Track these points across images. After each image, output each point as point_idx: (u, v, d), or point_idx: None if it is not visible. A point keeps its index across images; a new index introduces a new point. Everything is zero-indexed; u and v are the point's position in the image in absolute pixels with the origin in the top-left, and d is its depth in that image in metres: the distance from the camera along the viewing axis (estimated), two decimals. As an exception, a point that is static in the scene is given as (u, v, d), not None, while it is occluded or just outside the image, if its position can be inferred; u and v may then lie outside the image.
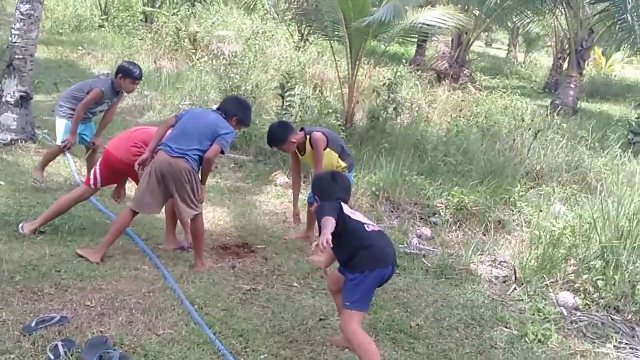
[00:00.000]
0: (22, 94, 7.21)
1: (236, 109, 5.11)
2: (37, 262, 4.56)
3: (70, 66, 13.08)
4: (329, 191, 3.92)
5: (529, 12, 17.79)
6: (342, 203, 3.80)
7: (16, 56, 7.16)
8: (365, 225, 3.76)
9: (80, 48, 14.16)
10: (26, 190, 6.02)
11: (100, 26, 17.40)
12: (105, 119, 6.43)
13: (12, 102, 7.18)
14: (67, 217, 5.33)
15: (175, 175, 4.76)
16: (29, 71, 7.30)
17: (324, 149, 5.63)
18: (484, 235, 6.75)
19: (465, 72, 18.14)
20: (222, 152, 5.00)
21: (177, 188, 4.79)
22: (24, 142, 7.24)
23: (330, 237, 3.43)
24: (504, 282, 5.77)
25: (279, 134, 5.68)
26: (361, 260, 3.69)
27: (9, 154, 6.94)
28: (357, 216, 3.84)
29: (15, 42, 7.17)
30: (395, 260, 3.86)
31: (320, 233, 3.58)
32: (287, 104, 9.29)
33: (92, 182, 5.19)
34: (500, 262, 6.14)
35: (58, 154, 6.47)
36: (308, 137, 5.64)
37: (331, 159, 5.70)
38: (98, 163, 5.26)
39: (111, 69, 12.57)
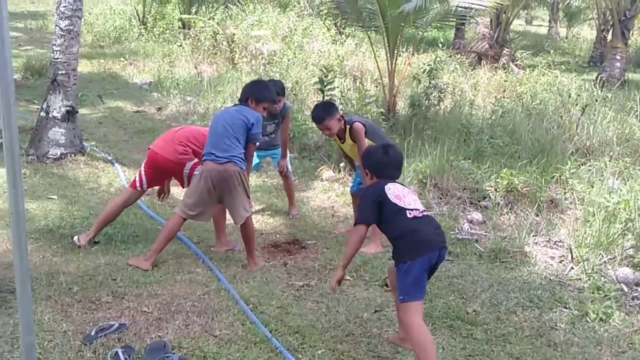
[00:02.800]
0: (68, 108, 7.36)
1: (248, 91, 5.09)
2: (93, 272, 4.65)
3: (113, 78, 13.33)
4: (381, 165, 3.89)
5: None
6: (387, 186, 3.72)
7: (59, 72, 7.31)
8: (408, 212, 3.66)
9: (122, 59, 14.42)
10: (78, 203, 6.14)
11: (140, 36, 17.67)
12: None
13: (59, 117, 7.33)
14: (120, 226, 5.43)
15: (228, 182, 4.80)
16: (72, 85, 7.44)
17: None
18: (537, 215, 6.62)
19: (506, 52, 17.83)
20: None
21: (231, 194, 4.83)
22: (73, 155, 7.38)
23: (334, 285, 3.75)
24: (561, 262, 5.65)
25: (327, 108, 5.63)
26: (404, 249, 3.65)
27: (60, 168, 7.09)
28: (404, 199, 3.71)
29: (58, 59, 7.31)
30: (445, 244, 3.77)
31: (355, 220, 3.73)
32: (328, 97, 9.26)
33: (137, 184, 5.25)
34: (556, 242, 6.01)
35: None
36: (348, 126, 5.61)
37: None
38: (143, 164, 5.31)
39: (152, 78, 12.78)
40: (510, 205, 6.88)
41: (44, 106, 7.40)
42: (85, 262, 4.84)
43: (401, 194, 3.74)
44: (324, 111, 5.58)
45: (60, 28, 7.28)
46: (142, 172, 5.24)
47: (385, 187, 3.72)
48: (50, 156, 7.24)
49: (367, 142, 5.53)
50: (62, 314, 4.07)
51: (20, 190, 2.98)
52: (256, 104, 5.02)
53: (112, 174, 7.20)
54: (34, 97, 10.34)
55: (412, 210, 3.67)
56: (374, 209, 3.68)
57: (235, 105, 5.18)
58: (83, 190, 6.55)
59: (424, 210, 3.80)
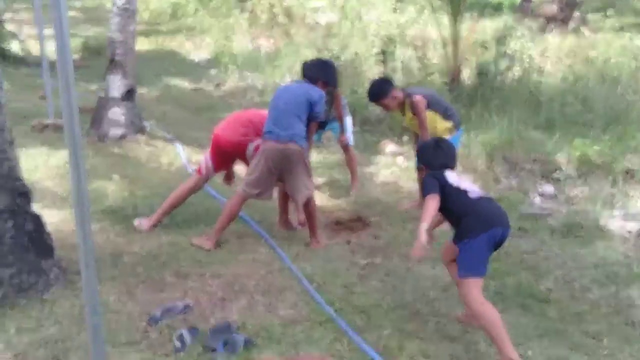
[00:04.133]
0: (127, 87, 7.36)
1: (319, 72, 4.97)
2: (157, 252, 4.62)
3: (171, 55, 13.39)
4: (434, 158, 3.93)
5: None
6: (446, 171, 3.79)
7: (117, 51, 7.30)
8: (469, 193, 3.67)
9: (179, 36, 14.44)
10: (140, 183, 6.13)
11: (196, 11, 17.66)
12: None
13: (119, 97, 7.34)
14: (181, 206, 5.39)
15: (289, 161, 4.71)
16: (131, 65, 7.43)
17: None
18: (613, 187, 6.33)
19: (576, 14, 17.12)
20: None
21: (292, 173, 4.75)
22: (133, 135, 7.38)
23: (424, 237, 3.48)
24: (639, 235, 5.37)
25: (381, 87, 5.60)
26: (468, 225, 3.59)
27: (121, 148, 7.10)
28: (464, 184, 3.75)
29: (115, 38, 7.31)
30: (508, 223, 3.66)
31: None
32: (390, 69, 9.06)
33: (204, 170, 5.21)
34: (633, 214, 5.72)
35: None
36: (408, 100, 5.43)
37: (434, 120, 5.51)
38: (208, 150, 5.26)
39: (210, 55, 12.76)
40: (583, 177, 6.60)
41: (104, 86, 7.43)
42: (148, 242, 4.81)
43: (459, 179, 3.80)
44: (377, 90, 5.58)
45: (117, 7, 7.27)
46: (208, 157, 5.20)
47: (445, 173, 3.78)
48: (111, 136, 7.26)
49: (428, 114, 5.38)
50: (127, 294, 4.05)
51: (83, 171, 2.94)
52: (323, 85, 4.94)
53: (173, 152, 7.19)
54: (93, 77, 10.43)
55: (473, 191, 3.70)
56: (436, 183, 3.70)
57: (297, 82, 5.05)
58: (145, 170, 6.56)
59: (486, 193, 3.87)
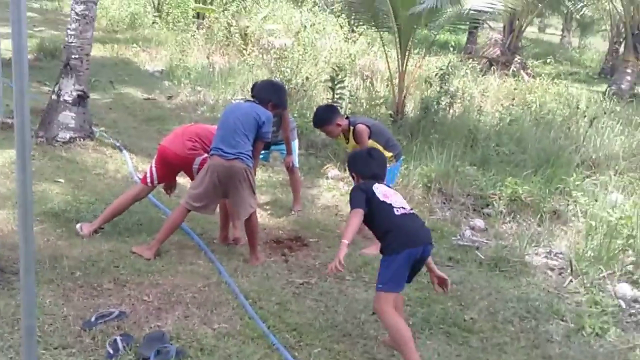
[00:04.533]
0: (79, 92, 7.37)
1: (269, 94, 5.16)
2: (96, 258, 4.68)
3: (126, 64, 13.36)
4: (366, 167, 4.10)
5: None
6: (375, 185, 3.92)
7: (72, 56, 7.33)
8: (395, 209, 3.83)
9: (135, 45, 14.45)
10: (85, 188, 6.17)
11: (154, 23, 17.69)
12: None
13: (70, 101, 7.35)
14: (125, 214, 5.45)
15: (234, 178, 4.82)
16: (85, 70, 7.46)
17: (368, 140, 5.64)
18: (539, 226, 6.65)
19: (517, 59, 17.82)
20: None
21: (236, 189, 4.86)
22: (82, 139, 7.40)
23: (342, 259, 3.68)
24: (560, 274, 5.67)
25: (325, 114, 5.75)
26: (390, 242, 3.79)
27: (68, 152, 7.11)
28: (391, 198, 3.90)
29: (72, 43, 7.33)
30: (431, 240, 3.91)
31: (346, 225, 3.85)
32: (338, 96, 9.29)
33: (148, 180, 5.29)
34: (556, 253, 6.03)
35: None
36: (352, 128, 5.65)
37: None
38: (154, 160, 5.35)
39: (164, 66, 12.82)
40: (513, 214, 6.91)
41: (56, 89, 7.42)
42: (88, 247, 4.87)
43: (388, 193, 3.94)
44: (322, 117, 5.74)
45: (75, 12, 7.30)
46: (153, 168, 5.28)
47: (373, 186, 3.92)
48: (59, 139, 7.26)
49: (370, 143, 5.59)
50: (63, 298, 4.10)
51: (29, 174, 3.01)
52: (273, 107, 5.13)
53: (120, 160, 7.23)
54: (45, 78, 10.35)
55: (398, 208, 3.86)
56: (363, 197, 3.85)
57: (247, 100, 5.20)
58: (90, 175, 6.58)
59: (411, 209, 3.99)
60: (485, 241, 6.21)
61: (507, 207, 6.98)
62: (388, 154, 5.71)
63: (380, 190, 3.91)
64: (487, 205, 7.12)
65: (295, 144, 6.51)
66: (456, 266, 5.59)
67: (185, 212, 4.98)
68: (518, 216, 6.87)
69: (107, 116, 9.18)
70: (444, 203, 7.10)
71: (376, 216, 3.84)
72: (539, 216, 6.80)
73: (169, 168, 5.33)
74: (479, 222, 6.64)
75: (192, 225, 5.58)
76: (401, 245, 3.74)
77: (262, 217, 6.10)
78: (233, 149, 4.80)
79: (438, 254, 5.74)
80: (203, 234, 5.53)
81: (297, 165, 6.54)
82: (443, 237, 6.17)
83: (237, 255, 5.21)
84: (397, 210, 3.84)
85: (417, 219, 3.98)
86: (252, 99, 5.18)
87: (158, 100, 10.74)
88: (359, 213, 3.78)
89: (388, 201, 3.86)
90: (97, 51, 12.93)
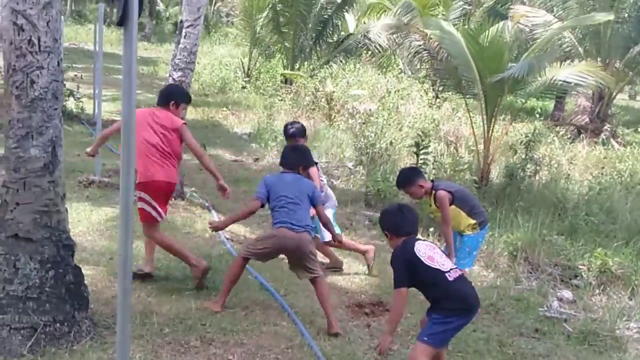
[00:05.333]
0: (173, 154, 7.70)
1: (298, 160, 5.39)
2: (184, 316, 4.82)
3: (215, 126, 13.89)
4: (397, 224, 4.07)
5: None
6: (415, 247, 3.89)
7: (169, 120, 7.70)
8: (447, 275, 3.81)
9: (225, 109, 15.02)
10: (175, 246, 6.39)
11: (243, 87, 18.38)
12: None
13: (164, 162, 7.68)
14: (212, 272, 5.62)
15: (303, 250, 5.02)
16: (180, 133, 7.80)
17: (450, 205, 5.63)
18: (630, 299, 6.39)
19: (607, 127, 17.44)
20: None
21: (303, 259, 5.05)
22: (173, 199, 7.69)
23: (384, 351, 3.94)
24: (654, 350, 5.43)
25: (408, 176, 5.81)
26: (447, 307, 3.80)
27: (160, 211, 7.40)
28: (437, 259, 3.88)
29: (169, 107, 7.72)
30: (479, 303, 3.90)
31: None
32: (422, 161, 9.34)
33: (159, 218, 5.50)
34: (649, 329, 5.79)
35: None
36: (434, 192, 5.66)
37: (458, 216, 5.70)
38: (150, 200, 5.41)
39: (252, 129, 13.26)
40: (602, 286, 6.68)
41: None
42: (177, 305, 5.02)
43: (431, 253, 3.91)
44: (405, 177, 5.81)
45: (173, 79, 7.72)
46: (157, 208, 5.43)
47: (414, 248, 3.89)
48: (153, 199, 7.56)
49: (453, 209, 5.60)
50: (152, 354, 4.23)
51: (130, 235, 3.19)
52: (304, 169, 5.44)
53: (208, 220, 7.47)
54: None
55: (449, 271, 3.84)
56: (406, 270, 3.85)
57: (284, 172, 5.35)
58: (180, 234, 6.83)
59: (456, 267, 3.99)
60: (574, 313, 6.01)
61: (596, 278, 6.77)
62: (472, 221, 5.71)
63: (424, 252, 3.88)
64: (576, 276, 6.92)
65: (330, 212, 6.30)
66: (543, 338, 5.44)
67: (244, 262, 5.15)
68: (608, 289, 6.63)
69: (197, 177, 9.53)
70: (530, 272, 6.95)
71: (427, 283, 3.87)
72: (630, 289, 6.55)
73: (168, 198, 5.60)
74: (567, 294, 6.45)
75: (276, 286, 5.68)
76: (459, 310, 3.79)
77: (345, 281, 6.16)
78: (301, 222, 4.99)
79: (524, 325, 5.61)
80: (286, 295, 5.61)
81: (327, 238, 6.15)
82: (529, 308, 6.02)
83: (321, 317, 5.25)
84: (450, 275, 3.81)
85: (467, 280, 4.00)
86: (287, 170, 5.32)
87: (245, 162, 11.08)
88: (403, 294, 3.84)
89: (436, 265, 3.83)
90: (190, 114, 13.49)
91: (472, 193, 8.26)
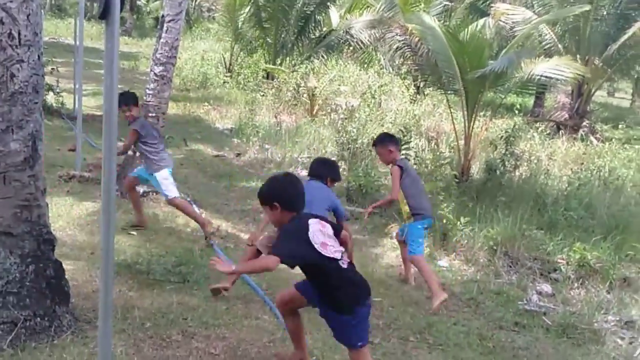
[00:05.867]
0: (154, 149, 7.68)
1: (327, 171, 5.45)
2: (166, 310, 4.82)
3: (197, 121, 13.85)
4: (293, 198, 3.64)
5: (654, 62, 17.19)
6: (310, 232, 3.50)
7: (150, 114, 7.68)
8: (341, 262, 3.56)
9: (206, 104, 14.97)
10: (156, 241, 6.39)
11: (225, 82, 18.32)
12: None
13: (145, 157, 7.66)
14: (193, 267, 5.62)
15: None
16: (161, 128, 7.79)
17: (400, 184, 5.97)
18: (609, 293, 6.50)
19: (586, 123, 17.62)
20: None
21: None
22: (154, 194, 7.68)
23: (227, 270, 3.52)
24: (631, 343, 5.53)
25: (384, 138, 6.33)
26: (347, 299, 3.60)
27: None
28: (331, 246, 3.55)
29: (150, 102, 7.70)
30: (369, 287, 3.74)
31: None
32: (403, 156, 9.36)
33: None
34: (626, 322, 5.87)
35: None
36: (393, 165, 6.07)
37: (402, 201, 6.06)
38: None
39: (234, 124, 13.24)
40: (581, 280, 6.78)
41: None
42: (159, 299, 5.02)
43: (324, 239, 3.55)
44: (380, 138, 6.30)
45: (154, 73, 7.69)
46: None
47: (309, 232, 3.51)
48: (133, 193, 7.54)
49: (400, 193, 5.99)
50: (134, 348, 4.22)
51: (112, 229, 3.19)
52: (331, 182, 5.46)
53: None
54: (120, 134, 10.79)
55: (343, 259, 3.60)
56: (298, 249, 3.46)
57: (311, 179, 5.35)
58: (161, 229, 6.81)
59: (344, 251, 3.68)
60: (553, 307, 6.10)
61: (575, 272, 6.86)
62: (407, 209, 6.00)
63: (317, 237, 3.51)
64: (555, 270, 7.00)
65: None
66: (522, 331, 5.51)
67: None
68: (586, 282, 6.73)
69: (178, 172, 9.46)
70: (510, 267, 7.02)
71: (322, 272, 3.58)
72: (608, 283, 6.66)
73: None
74: (546, 287, 6.54)
75: (257, 280, 5.70)
76: (360, 299, 3.63)
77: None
78: None
79: (504, 319, 5.68)
80: (268, 289, 5.62)
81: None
82: (509, 302, 6.10)
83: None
84: (343, 263, 3.56)
85: (354, 267, 3.76)
86: (312, 177, 5.37)
87: (227, 157, 11.06)
88: (274, 264, 3.33)
89: (329, 254, 3.50)
90: (171, 109, 13.44)
91: (453, 188, 8.37)
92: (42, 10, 4.13)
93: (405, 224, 6.11)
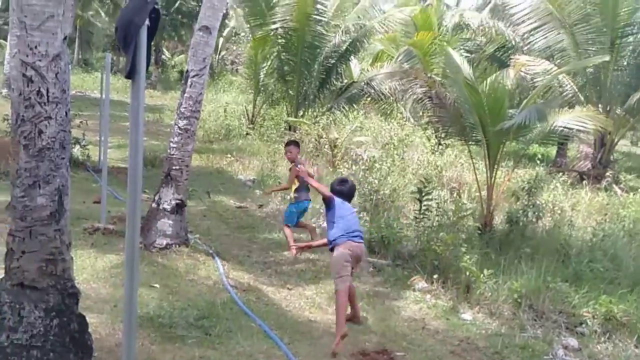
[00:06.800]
0: (177, 201, 7.78)
1: (351, 191, 6.42)
2: (187, 364, 4.82)
3: (220, 173, 13.99)
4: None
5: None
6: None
7: (173, 167, 7.80)
8: None
9: (229, 156, 15.15)
10: (178, 294, 6.40)
11: (247, 134, 18.54)
12: None
13: (169, 210, 7.75)
14: (216, 320, 5.62)
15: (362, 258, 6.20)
16: (184, 180, 7.90)
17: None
18: (636, 347, 6.35)
19: (609, 173, 17.49)
20: None
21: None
22: (177, 246, 7.73)
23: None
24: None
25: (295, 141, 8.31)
26: None
27: (164, 258, 7.43)
28: None
29: (173, 155, 7.82)
30: None
31: None
32: (425, 207, 9.36)
33: None
34: (655, 377, 5.74)
35: None
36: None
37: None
38: None
39: (256, 176, 13.35)
40: (608, 334, 6.63)
41: (156, 198, 7.85)
42: (180, 352, 5.01)
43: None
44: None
45: (178, 127, 7.83)
46: None
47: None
48: (156, 245, 7.61)
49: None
50: (155, 402, 4.22)
51: (136, 281, 3.23)
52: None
53: (212, 266, 7.48)
54: (144, 186, 10.92)
55: None
56: None
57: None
58: (184, 281, 6.83)
59: None
60: (580, 362, 5.98)
61: (601, 326, 6.73)
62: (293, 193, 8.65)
63: None
64: (581, 323, 6.87)
65: None
66: (549, 387, 5.40)
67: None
68: (613, 336, 6.59)
69: (201, 223, 9.58)
70: (535, 320, 6.91)
71: None
72: (635, 337, 6.50)
73: None
74: (572, 342, 6.41)
75: (280, 334, 5.67)
76: None
77: (349, 329, 6.12)
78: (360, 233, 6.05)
79: (530, 374, 5.58)
80: (290, 343, 5.59)
81: None
82: (534, 356, 5.99)
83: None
84: None
85: None
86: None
87: (249, 209, 11.12)
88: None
89: None
90: (194, 161, 13.57)
91: (476, 240, 8.33)
92: (70, 66, 4.26)
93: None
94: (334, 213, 5.92)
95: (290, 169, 8.40)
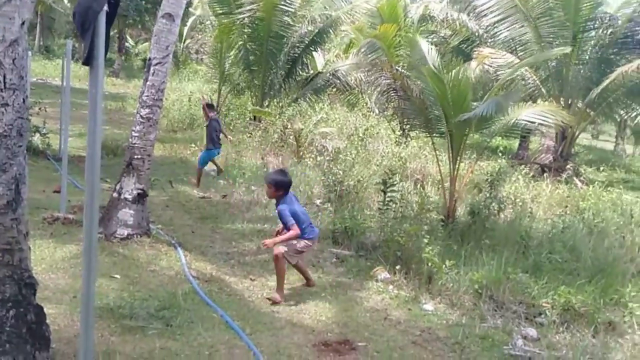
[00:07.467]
0: (139, 191, 7.69)
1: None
2: (148, 355, 4.77)
3: (183, 163, 13.87)
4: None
5: (636, 105, 17.45)
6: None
7: (135, 156, 7.70)
8: None
9: (193, 145, 15.01)
10: (139, 284, 6.34)
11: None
12: None
13: (130, 199, 7.66)
14: (177, 311, 5.57)
15: None
16: (146, 170, 7.81)
17: None
18: (594, 337, 6.47)
19: (570, 165, 17.79)
20: None
21: None
22: (139, 236, 7.65)
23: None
24: (617, 389, 5.49)
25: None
26: None
27: (125, 248, 7.35)
28: None
29: (135, 144, 7.72)
30: None
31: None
32: (389, 199, 9.40)
33: None
34: (612, 366, 5.85)
35: None
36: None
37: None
38: None
39: (220, 165, 13.27)
40: (566, 324, 6.75)
41: (117, 187, 7.76)
42: (141, 344, 4.97)
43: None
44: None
45: (140, 115, 7.73)
46: None
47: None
48: (117, 235, 7.52)
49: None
50: (114, 395, 4.17)
51: (94, 272, 3.17)
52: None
53: (174, 257, 7.41)
54: (106, 175, 10.78)
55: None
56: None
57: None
58: (145, 272, 6.76)
59: None
60: (538, 351, 6.05)
61: (560, 316, 6.84)
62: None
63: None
64: (540, 314, 6.98)
65: None
66: (508, 377, 5.47)
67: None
68: (572, 326, 6.71)
69: (163, 213, 9.48)
70: (495, 310, 6.99)
71: None
72: (593, 327, 6.63)
73: None
74: (532, 332, 6.50)
75: (242, 324, 5.65)
76: None
77: (311, 319, 6.14)
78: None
79: (489, 364, 5.65)
80: (252, 334, 5.57)
81: None
82: (494, 346, 6.06)
83: (286, 356, 5.23)
84: None
85: None
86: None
87: (213, 199, 11.05)
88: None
89: None
90: (157, 150, 13.46)
91: (439, 231, 8.40)
92: (30, 52, 4.17)
93: None
94: (294, 210, 6.76)
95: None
